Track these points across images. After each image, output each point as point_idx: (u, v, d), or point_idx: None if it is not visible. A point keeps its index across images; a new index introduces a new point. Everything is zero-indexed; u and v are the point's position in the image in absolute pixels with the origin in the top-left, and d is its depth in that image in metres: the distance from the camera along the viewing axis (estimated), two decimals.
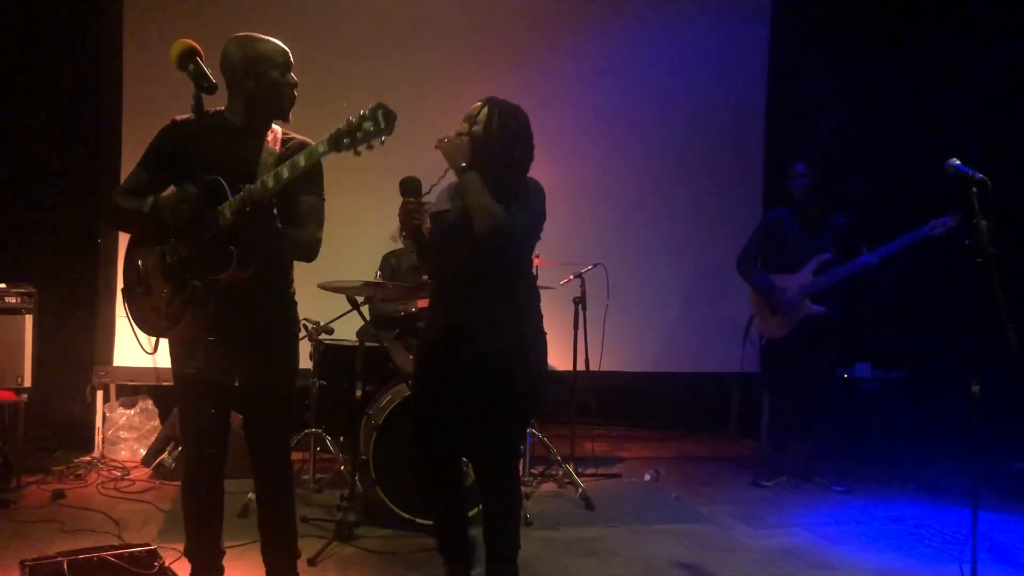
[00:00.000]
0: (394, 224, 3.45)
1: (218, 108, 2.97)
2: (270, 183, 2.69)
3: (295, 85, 2.97)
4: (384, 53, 5.86)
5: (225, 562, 3.16)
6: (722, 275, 5.95)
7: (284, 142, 2.98)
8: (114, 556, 3.26)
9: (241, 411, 3.10)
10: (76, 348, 5.55)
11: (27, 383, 4.76)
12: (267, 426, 3.07)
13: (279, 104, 2.96)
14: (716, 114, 6.44)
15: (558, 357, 5.35)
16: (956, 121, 5.91)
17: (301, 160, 2.66)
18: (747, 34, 6.54)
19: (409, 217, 3.18)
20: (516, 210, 3.09)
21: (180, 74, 2.28)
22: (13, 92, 5.54)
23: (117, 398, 5.62)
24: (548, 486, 5.10)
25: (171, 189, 2.83)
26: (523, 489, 4.64)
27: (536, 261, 5.01)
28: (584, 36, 6.29)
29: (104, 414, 5.50)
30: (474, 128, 3.17)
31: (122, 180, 5.33)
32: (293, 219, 2.92)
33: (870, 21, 6.55)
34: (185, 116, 2.85)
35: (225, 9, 5.62)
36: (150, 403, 5.55)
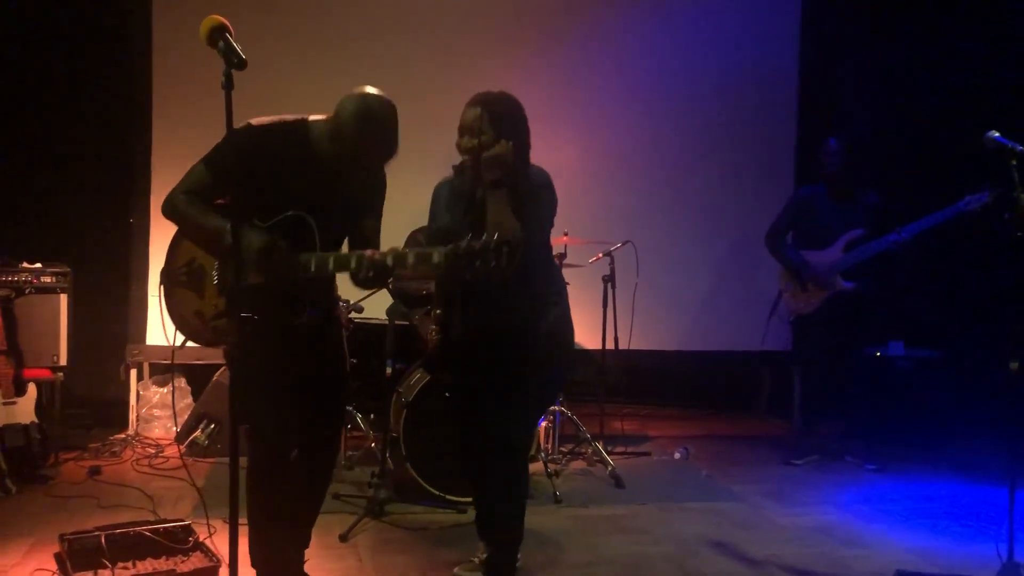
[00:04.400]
0: (418, 203, 3.42)
1: (305, 117, 2.78)
2: (355, 263, 2.60)
3: (365, 167, 2.79)
4: (409, 31, 5.83)
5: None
6: (753, 253, 5.89)
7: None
8: (150, 531, 3.32)
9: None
10: (110, 327, 5.62)
11: (63, 361, 4.84)
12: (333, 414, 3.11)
13: (358, 168, 2.79)
14: (748, 90, 6.37)
15: (587, 335, 5.33)
16: (994, 96, 5.79)
17: (409, 258, 2.58)
18: (779, 8, 6.46)
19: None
20: (529, 220, 3.01)
21: (210, 51, 2.27)
22: (44, 73, 5.58)
23: (150, 376, 5.69)
24: (577, 464, 5.10)
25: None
26: (552, 467, 4.69)
27: (564, 239, 4.99)
28: (615, 11, 6.22)
29: (138, 392, 5.58)
30: (483, 138, 3.02)
31: (152, 158, 5.54)
32: (353, 239, 2.90)
33: None
34: (262, 122, 2.72)
35: None
36: (183, 381, 5.61)
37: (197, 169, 2.75)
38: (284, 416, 2.81)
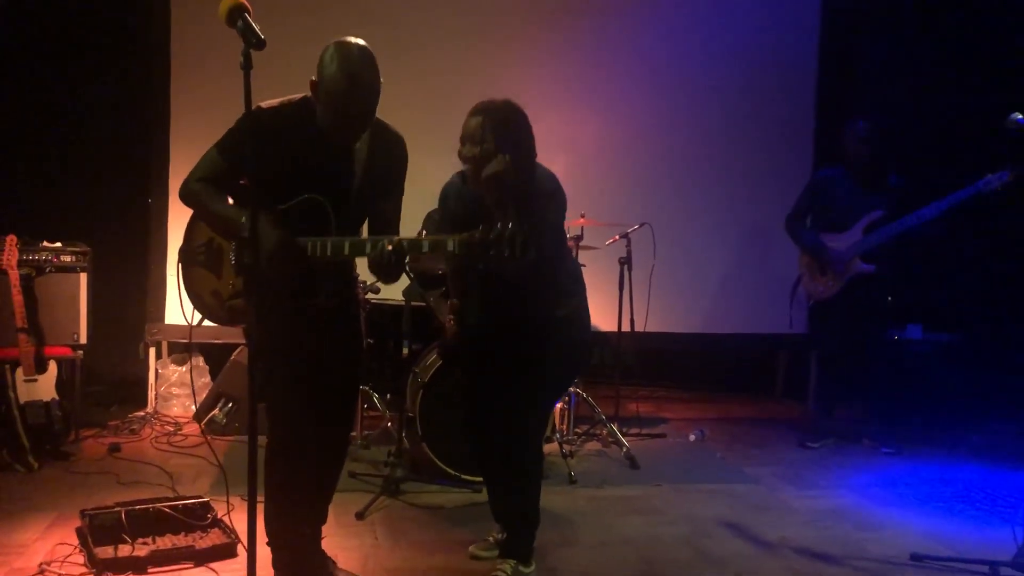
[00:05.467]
0: (433, 185, 3.43)
1: (305, 95, 2.74)
2: (370, 248, 2.61)
3: (346, 123, 2.69)
4: (428, 10, 5.81)
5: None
6: (771, 235, 5.86)
7: (372, 134, 2.81)
8: (169, 507, 3.36)
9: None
10: (129, 306, 5.66)
11: (83, 340, 4.89)
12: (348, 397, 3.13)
13: (336, 134, 2.72)
14: (767, 72, 6.30)
15: (603, 317, 5.33)
16: (1016, 78, 5.72)
17: (424, 246, 2.64)
18: None
19: None
20: (537, 226, 2.91)
21: (229, 31, 2.27)
22: (64, 55, 5.60)
23: (169, 355, 5.74)
24: (592, 445, 5.11)
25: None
26: (567, 447, 4.70)
27: (581, 221, 4.99)
28: None
29: (156, 371, 5.63)
30: (485, 147, 2.97)
31: (171, 138, 5.56)
32: (373, 220, 2.90)
33: None
34: (272, 104, 2.71)
35: None
36: (201, 360, 5.66)
37: (210, 155, 2.74)
38: (301, 394, 2.83)
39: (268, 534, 2.94)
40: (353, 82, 2.60)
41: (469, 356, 3.36)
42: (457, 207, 3.24)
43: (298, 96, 2.77)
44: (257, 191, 2.55)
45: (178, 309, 5.66)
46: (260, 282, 2.41)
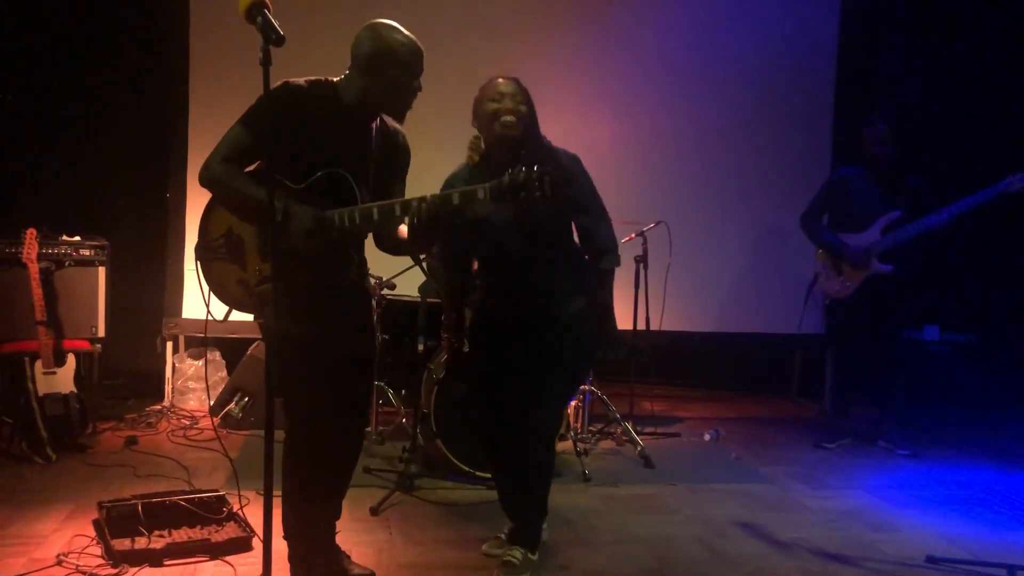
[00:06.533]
0: (440, 178, 3.44)
1: (330, 78, 2.81)
2: (400, 210, 2.64)
3: (417, 90, 2.81)
4: (441, 8, 5.81)
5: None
6: (787, 234, 5.83)
7: (381, 126, 2.89)
8: (185, 500, 3.38)
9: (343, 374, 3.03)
10: (147, 300, 5.70)
11: (101, 333, 4.93)
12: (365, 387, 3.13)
13: (396, 106, 2.82)
14: (785, 69, 6.28)
15: (618, 315, 5.28)
16: None
17: (455, 198, 2.62)
18: None
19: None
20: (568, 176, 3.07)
21: (247, 26, 2.28)
22: (82, 50, 5.64)
23: (186, 349, 5.77)
24: (607, 444, 5.11)
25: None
26: (581, 446, 4.70)
27: None
28: None
29: (173, 365, 5.66)
30: (524, 108, 3.08)
31: (189, 133, 5.58)
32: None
33: None
34: (297, 81, 2.74)
35: None
36: (217, 355, 5.69)
37: (234, 131, 2.72)
38: (322, 384, 2.83)
39: (285, 528, 2.95)
40: (419, 47, 2.75)
41: (489, 347, 3.35)
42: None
43: (323, 77, 2.81)
44: (276, 167, 2.57)
45: (194, 303, 5.76)
46: (290, 262, 2.42)
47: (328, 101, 2.76)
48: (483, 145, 3.17)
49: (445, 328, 3.47)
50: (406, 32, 2.78)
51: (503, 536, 3.43)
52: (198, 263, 2.82)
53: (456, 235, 3.20)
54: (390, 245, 2.94)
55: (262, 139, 2.64)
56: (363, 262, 2.98)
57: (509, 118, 3.04)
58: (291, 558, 2.97)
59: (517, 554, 3.23)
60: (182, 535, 3.26)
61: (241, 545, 3.26)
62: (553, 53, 5.92)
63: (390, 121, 2.94)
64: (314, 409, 2.85)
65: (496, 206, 2.96)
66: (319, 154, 2.70)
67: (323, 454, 2.91)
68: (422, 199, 2.63)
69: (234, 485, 3.53)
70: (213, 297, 2.80)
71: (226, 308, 2.81)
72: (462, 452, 4.18)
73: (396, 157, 2.96)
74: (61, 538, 3.35)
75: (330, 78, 2.82)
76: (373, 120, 2.86)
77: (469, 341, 3.43)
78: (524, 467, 3.28)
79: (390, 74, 2.73)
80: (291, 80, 2.74)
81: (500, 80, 3.11)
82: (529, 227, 3.10)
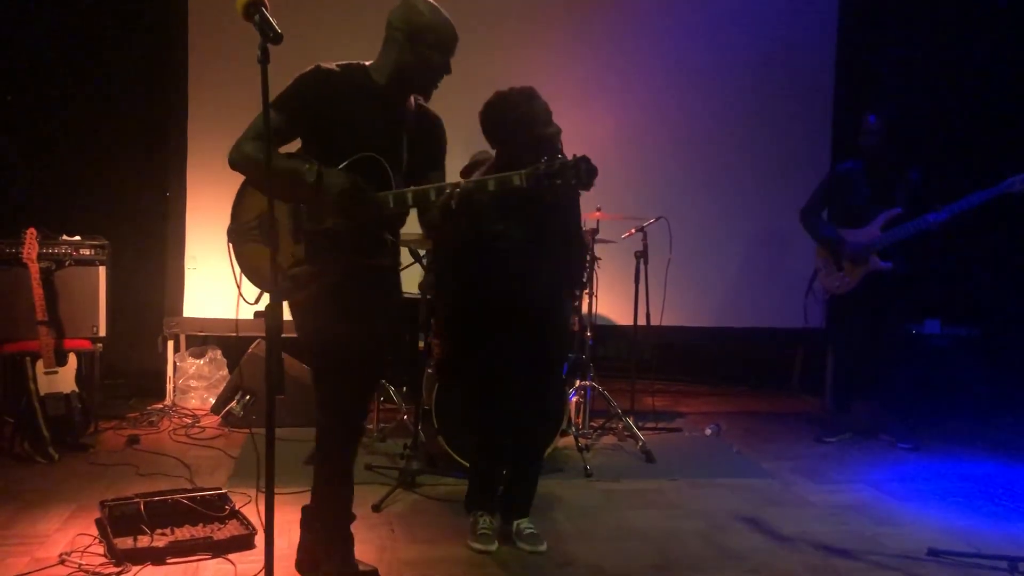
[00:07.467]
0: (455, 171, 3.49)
1: (362, 62, 2.81)
2: (435, 194, 2.64)
3: (447, 70, 2.80)
4: (444, 5, 5.81)
5: (291, 505, 3.21)
6: (787, 230, 5.83)
7: (418, 112, 2.89)
8: (187, 498, 3.39)
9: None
10: (147, 299, 5.70)
11: (102, 332, 4.94)
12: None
13: (426, 83, 2.81)
14: (784, 66, 6.28)
15: (619, 311, 5.33)
16: None
17: (491, 184, 2.64)
18: None
19: None
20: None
21: (246, 24, 2.28)
22: (81, 50, 5.64)
23: (187, 348, 5.78)
24: (608, 439, 5.11)
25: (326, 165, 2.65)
26: (583, 441, 4.71)
27: (598, 215, 4.98)
28: None
29: (175, 363, 5.66)
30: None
31: (188, 133, 5.58)
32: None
33: None
34: (330, 65, 2.75)
35: None
36: (219, 353, 5.69)
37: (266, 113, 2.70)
38: (356, 369, 2.80)
39: (320, 519, 2.92)
40: (454, 28, 2.78)
41: (498, 331, 3.39)
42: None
43: (354, 61, 2.81)
44: (308, 151, 2.60)
45: (195, 302, 5.76)
46: (324, 243, 2.49)
47: (361, 84, 2.76)
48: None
49: (436, 332, 3.54)
50: (443, 11, 2.78)
51: (485, 529, 3.45)
52: (231, 245, 2.79)
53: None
54: (427, 228, 2.96)
55: (295, 120, 2.66)
56: (396, 247, 2.95)
57: (554, 140, 3.19)
58: (319, 546, 2.94)
59: (532, 526, 3.46)
60: (184, 533, 3.26)
61: (243, 543, 3.26)
62: (553, 47, 5.92)
63: (430, 110, 2.93)
64: (354, 390, 2.84)
65: (501, 199, 2.98)
66: (353, 137, 2.69)
67: (353, 436, 2.92)
68: (456, 184, 2.64)
69: (235, 483, 3.54)
70: (245, 281, 2.78)
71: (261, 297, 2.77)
72: (463, 448, 4.17)
73: (433, 143, 2.94)
74: (64, 537, 3.35)
75: (362, 62, 2.81)
76: (405, 101, 2.85)
77: (463, 334, 3.48)
78: (539, 441, 3.57)
79: (425, 50, 2.73)
80: (323, 63, 2.74)
81: (537, 100, 3.22)
82: (535, 218, 3.21)
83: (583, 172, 2.56)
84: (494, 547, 3.41)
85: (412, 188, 2.69)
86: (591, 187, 2.60)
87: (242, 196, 2.81)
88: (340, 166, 2.65)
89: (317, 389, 2.85)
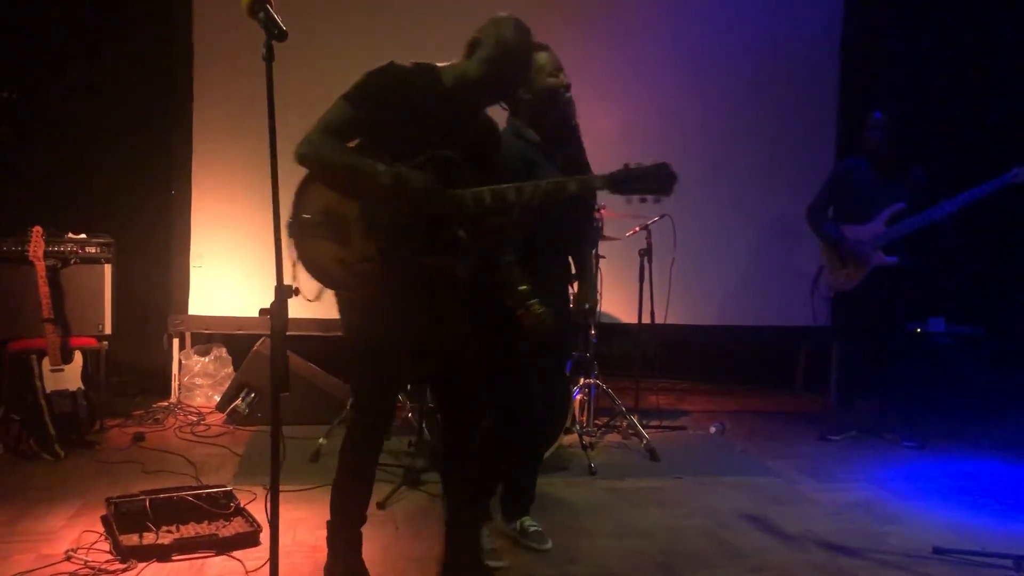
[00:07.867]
0: None
1: (434, 63, 2.79)
2: (514, 195, 2.62)
3: (518, 87, 2.91)
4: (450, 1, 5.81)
5: (296, 503, 3.22)
6: (792, 227, 5.83)
7: (484, 124, 2.91)
8: (192, 496, 3.39)
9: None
10: (153, 297, 5.71)
11: (107, 330, 4.94)
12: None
13: (493, 98, 2.88)
14: (789, 62, 6.26)
15: (623, 309, 5.32)
16: None
17: (572, 185, 2.66)
18: None
19: None
20: None
21: (251, 22, 2.28)
22: (86, 46, 5.64)
23: (192, 346, 5.79)
24: (612, 437, 5.11)
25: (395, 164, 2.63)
26: (587, 439, 4.71)
27: (603, 212, 4.97)
28: None
29: (180, 361, 5.67)
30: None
31: (193, 130, 5.59)
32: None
33: None
34: (403, 63, 2.72)
35: None
36: (223, 351, 5.70)
37: (337, 106, 2.66)
38: (396, 366, 2.80)
39: (341, 515, 2.93)
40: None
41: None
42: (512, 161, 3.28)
43: (424, 62, 2.80)
44: (375, 148, 2.60)
45: (200, 300, 5.75)
46: (394, 239, 2.51)
47: (433, 83, 2.74)
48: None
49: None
50: (531, 36, 2.83)
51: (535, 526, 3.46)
52: (294, 240, 2.71)
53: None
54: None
55: (367, 114, 2.63)
56: (468, 247, 2.86)
57: (562, 92, 3.25)
58: (333, 543, 2.94)
59: (535, 522, 3.45)
60: (190, 530, 3.27)
61: (249, 540, 3.26)
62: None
63: (491, 118, 2.93)
64: (389, 387, 2.86)
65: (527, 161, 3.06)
66: (421, 136, 2.67)
67: (376, 437, 2.92)
68: (536, 184, 2.64)
69: (241, 480, 3.54)
70: (300, 275, 2.70)
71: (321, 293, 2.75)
72: None
73: (493, 154, 2.92)
74: (70, 534, 3.36)
75: (434, 63, 2.79)
76: (474, 107, 2.83)
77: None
78: (546, 436, 3.63)
79: (502, 68, 2.75)
80: (397, 61, 2.71)
81: (541, 52, 3.20)
82: (554, 215, 3.15)
83: (665, 176, 2.59)
84: (548, 545, 3.42)
85: (490, 187, 2.65)
86: (670, 194, 2.62)
87: (305, 189, 2.73)
88: (414, 162, 2.62)
89: (347, 381, 2.88)
